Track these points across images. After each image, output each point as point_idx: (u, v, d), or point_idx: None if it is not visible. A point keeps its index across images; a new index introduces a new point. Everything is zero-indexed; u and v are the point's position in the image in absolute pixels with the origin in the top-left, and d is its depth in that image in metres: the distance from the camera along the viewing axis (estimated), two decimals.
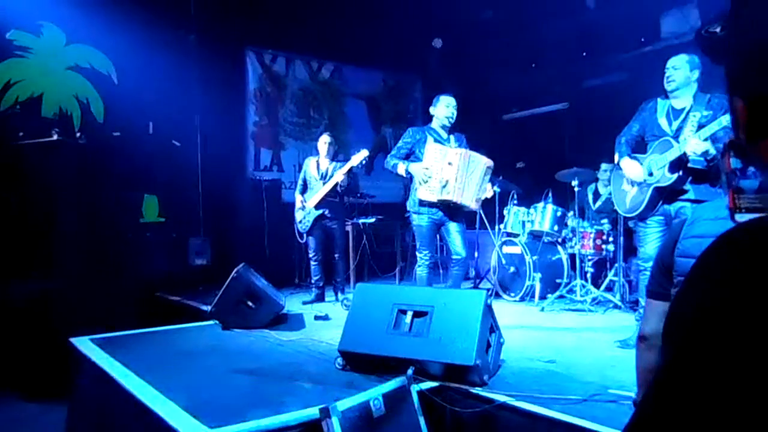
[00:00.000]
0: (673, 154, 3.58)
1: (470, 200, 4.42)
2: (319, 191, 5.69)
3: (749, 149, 0.59)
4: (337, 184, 5.64)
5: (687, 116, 3.63)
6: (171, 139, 6.96)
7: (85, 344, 3.98)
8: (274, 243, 6.85)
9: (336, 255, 5.93)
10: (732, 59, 0.59)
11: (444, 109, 4.58)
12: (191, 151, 7.11)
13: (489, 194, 4.61)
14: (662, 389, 0.50)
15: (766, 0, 0.57)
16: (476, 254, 6.43)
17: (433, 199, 4.41)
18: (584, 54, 7.63)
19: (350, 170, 5.72)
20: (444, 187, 4.35)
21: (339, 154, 6.77)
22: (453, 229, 4.54)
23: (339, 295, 5.89)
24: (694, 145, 3.46)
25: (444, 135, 4.62)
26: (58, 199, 5.36)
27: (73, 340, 4.06)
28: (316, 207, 5.70)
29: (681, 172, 3.58)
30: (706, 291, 0.50)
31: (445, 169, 4.36)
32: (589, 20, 7.28)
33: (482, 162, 4.45)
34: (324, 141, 5.86)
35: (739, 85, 0.58)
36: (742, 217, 0.72)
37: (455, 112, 4.59)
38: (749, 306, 0.45)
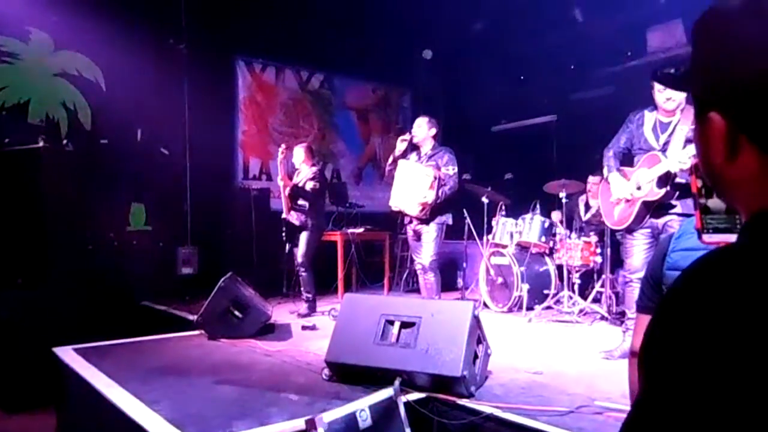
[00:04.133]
0: (661, 169, 3.59)
1: (404, 205, 4.80)
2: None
3: (716, 173, 0.58)
4: (297, 188, 5.61)
5: (674, 130, 3.65)
6: (159, 147, 6.92)
7: (68, 354, 3.93)
8: (262, 252, 6.80)
9: (295, 266, 5.76)
10: (707, 72, 0.58)
11: None
12: (179, 159, 7.07)
13: (426, 198, 4.69)
14: (641, 416, 0.49)
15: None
16: (464, 265, 6.43)
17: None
18: (572, 67, 7.71)
19: (317, 173, 5.71)
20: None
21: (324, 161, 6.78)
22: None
23: (303, 307, 5.62)
24: (681, 159, 3.48)
25: (422, 151, 4.99)
26: (44, 207, 5.30)
27: (56, 349, 4.01)
28: (287, 214, 5.70)
29: (669, 187, 3.59)
30: (681, 316, 0.49)
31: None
32: (577, 34, 7.36)
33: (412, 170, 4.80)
34: (296, 151, 5.89)
35: (721, 94, 0.56)
36: (710, 237, 0.72)
37: (414, 131, 4.96)
38: (726, 333, 0.45)
